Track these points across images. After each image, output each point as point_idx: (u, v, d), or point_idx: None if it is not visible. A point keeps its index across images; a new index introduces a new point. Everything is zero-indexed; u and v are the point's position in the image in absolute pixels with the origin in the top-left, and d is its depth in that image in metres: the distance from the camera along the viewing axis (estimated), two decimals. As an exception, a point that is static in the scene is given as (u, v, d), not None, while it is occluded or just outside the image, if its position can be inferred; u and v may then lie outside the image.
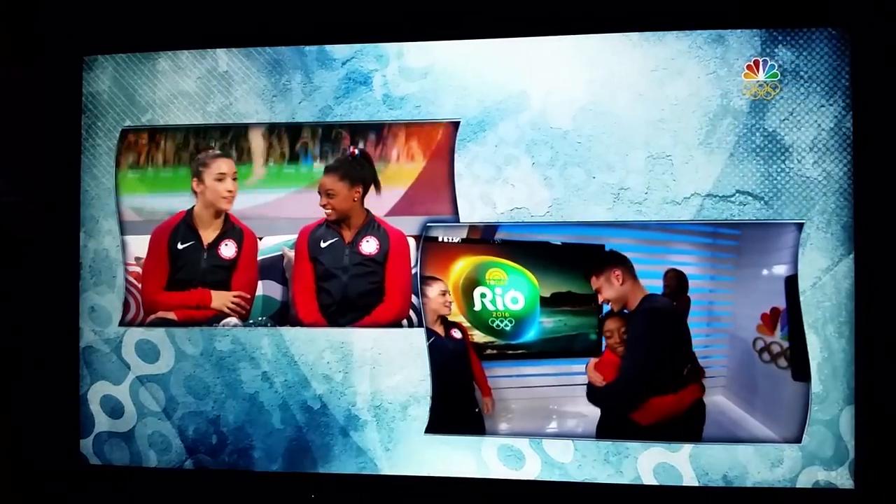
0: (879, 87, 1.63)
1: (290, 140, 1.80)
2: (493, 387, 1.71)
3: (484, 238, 1.71)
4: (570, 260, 1.69)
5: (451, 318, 1.72)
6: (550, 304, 1.69)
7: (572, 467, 1.70)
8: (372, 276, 1.78)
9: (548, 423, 1.70)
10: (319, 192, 1.78)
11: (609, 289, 1.67)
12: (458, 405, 1.72)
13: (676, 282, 1.67)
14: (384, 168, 1.78)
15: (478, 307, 1.70)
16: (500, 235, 1.71)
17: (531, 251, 1.69)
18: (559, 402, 1.70)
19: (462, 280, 1.69)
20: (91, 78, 1.86)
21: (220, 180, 1.81)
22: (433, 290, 1.71)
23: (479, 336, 1.71)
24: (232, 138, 1.81)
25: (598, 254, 1.67)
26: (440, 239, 1.71)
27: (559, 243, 1.69)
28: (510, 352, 1.70)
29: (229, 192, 1.81)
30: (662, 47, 1.69)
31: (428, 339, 1.71)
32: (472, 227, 1.70)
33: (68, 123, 1.86)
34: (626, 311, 1.68)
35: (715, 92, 1.67)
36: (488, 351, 1.71)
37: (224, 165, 1.81)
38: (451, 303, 1.70)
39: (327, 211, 1.78)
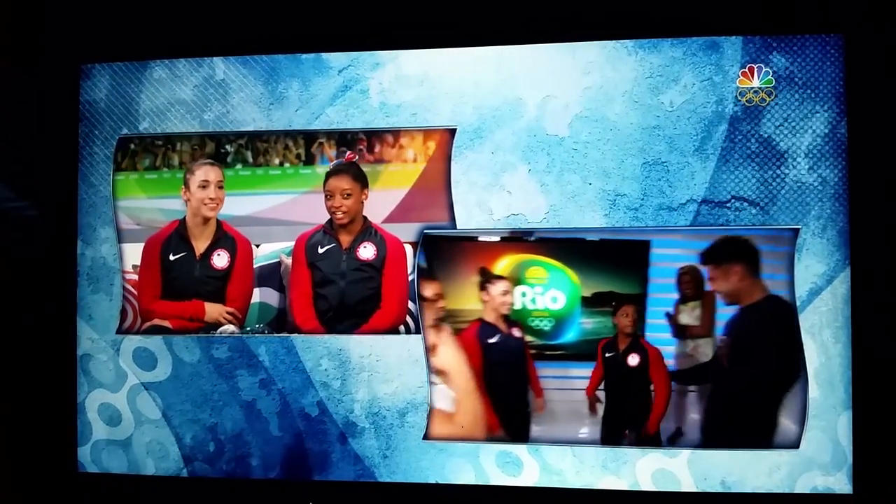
0: (874, 93, 1.64)
1: (305, 143, 1.79)
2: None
3: (518, 236, 1.68)
4: (615, 258, 1.65)
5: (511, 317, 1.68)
6: (592, 304, 1.65)
7: (570, 473, 1.70)
8: (369, 282, 1.78)
9: (582, 426, 1.68)
10: (331, 195, 1.77)
11: (724, 282, 1.62)
12: (510, 404, 1.69)
13: (694, 280, 1.65)
14: (380, 175, 1.78)
15: (518, 306, 1.68)
16: (537, 233, 1.69)
17: (574, 249, 1.66)
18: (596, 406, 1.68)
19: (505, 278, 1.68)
20: (88, 86, 1.86)
21: (203, 188, 1.81)
22: (496, 289, 1.67)
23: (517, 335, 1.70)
24: (248, 141, 1.81)
25: (720, 243, 1.62)
26: (479, 239, 1.68)
27: (596, 239, 1.65)
28: (548, 352, 1.67)
29: (211, 199, 1.81)
30: (657, 54, 1.70)
31: (491, 336, 1.67)
32: (513, 229, 1.69)
33: (65, 131, 1.86)
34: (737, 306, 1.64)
35: (710, 98, 1.68)
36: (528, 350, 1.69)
37: (209, 173, 1.81)
38: (512, 302, 1.67)
39: (340, 213, 1.77)
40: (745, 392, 1.65)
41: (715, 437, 1.65)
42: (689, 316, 1.66)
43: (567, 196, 1.72)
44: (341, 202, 1.76)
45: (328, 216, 1.79)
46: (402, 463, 1.75)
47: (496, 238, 1.69)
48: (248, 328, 1.81)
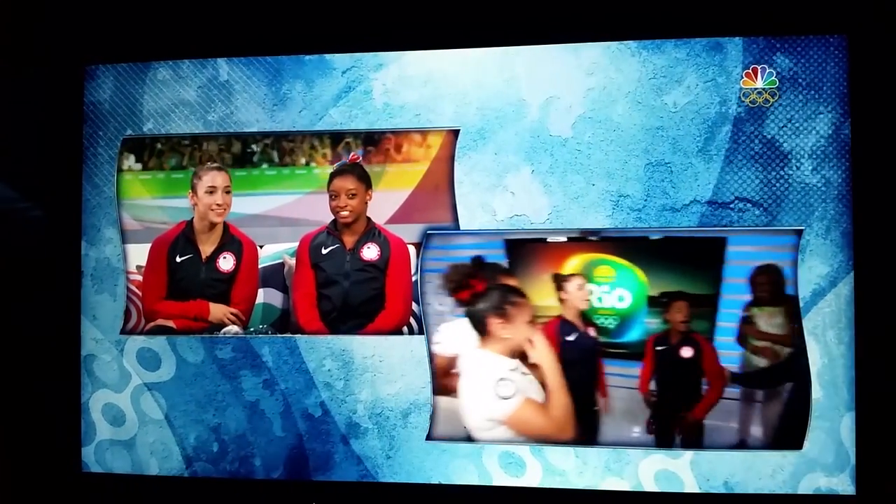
0: (877, 94, 1.64)
1: (332, 142, 1.79)
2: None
3: (584, 236, 1.68)
4: (687, 257, 1.63)
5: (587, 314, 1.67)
6: (658, 304, 1.64)
7: (573, 474, 1.71)
8: (373, 282, 1.78)
9: (637, 426, 1.67)
10: (335, 195, 1.78)
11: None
12: (579, 403, 1.65)
13: (772, 282, 1.61)
14: (384, 176, 1.78)
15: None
16: (606, 233, 1.68)
17: (644, 248, 1.64)
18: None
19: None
20: (92, 87, 1.87)
21: (210, 193, 1.82)
22: (572, 285, 1.63)
23: None
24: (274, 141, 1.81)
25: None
26: (547, 240, 1.67)
27: (660, 237, 1.64)
28: (611, 350, 1.66)
29: (218, 205, 1.82)
30: (661, 55, 1.70)
31: (569, 334, 1.64)
32: (583, 229, 1.68)
33: (70, 132, 1.87)
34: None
35: (713, 99, 1.68)
36: None
37: (217, 178, 1.82)
38: (589, 296, 1.63)
39: (345, 213, 1.77)
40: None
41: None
42: (767, 323, 1.62)
43: (570, 197, 1.72)
44: (346, 202, 1.77)
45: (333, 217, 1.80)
46: (405, 463, 1.76)
47: (563, 238, 1.67)
48: (252, 329, 1.82)
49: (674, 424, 1.66)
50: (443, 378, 1.69)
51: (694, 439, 1.65)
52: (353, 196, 1.77)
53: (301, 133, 1.80)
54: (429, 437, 1.74)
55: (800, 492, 1.64)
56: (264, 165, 1.82)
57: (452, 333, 1.64)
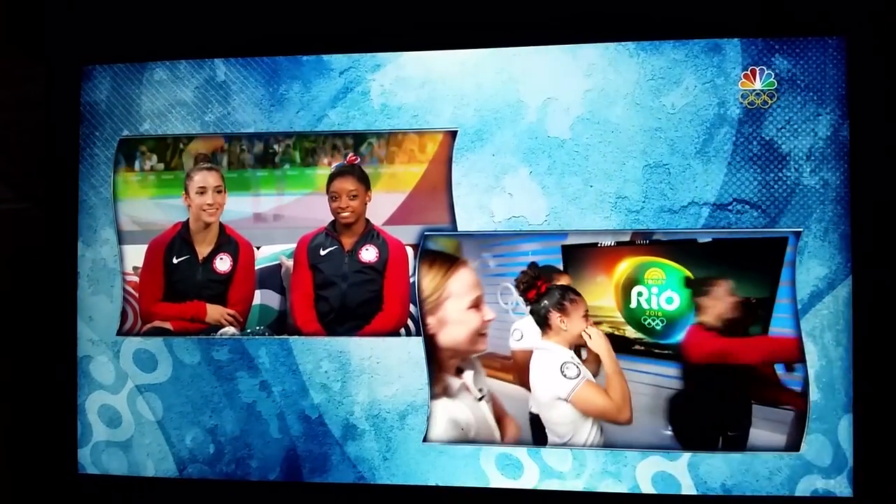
0: (876, 95, 1.64)
1: (354, 143, 1.79)
2: (637, 381, 1.68)
3: (633, 240, 1.70)
4: (740, 260, 1.64)
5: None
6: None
7: (570, 476, 1.70)
8: (371, 284, 1.78)
9: (665, 427, 1.68)
10: (336, 196, 1.77)
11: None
12: None
13: None
14: (381, 177, 1.78)
15: (633, 304, 1.69)
16: (657, 236, 1.69)
17: (696, 252, 1.66)
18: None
19: (623, 279, 1.69)
20: (89, 87, 1.86)
21: (201, 193, 1.81)
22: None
23: (630, 332, 1.70)
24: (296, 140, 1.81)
25: None
26: (599, 244, 1.71)
27: (708, 239, 1.66)
28: (657, 350, 1.68)
29: (209, 204, 1.81)
30: (659, 56, 1.69)
31: None
32: (635, 232, 1.69)
33: (66, 132, 1.86)
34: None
35: (712, 101, 1.68)
36: (636, 347, 1.69)
37: (208, 178, 1.81)
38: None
39: (346, 214, 1.77)
40: None
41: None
42: None
43: (568, 198, 1.71)
44: (347, 203, 1.76)
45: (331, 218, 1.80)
46: (403, 465, 1.75)
47: (611, 242, 1.71)
48: (249, 330, 1.81)
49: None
50: (521, 368, 1.73)
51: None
52: (354, 197, 1.77)
53: (324, 133, 1.79)
54: (426, 439, 1.74)
55: (797, 494, 1.64)
56: (286, 166, 1.81)
57: (523, 329, 1.73)
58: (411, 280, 1.75)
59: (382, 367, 1.76)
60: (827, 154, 1.65)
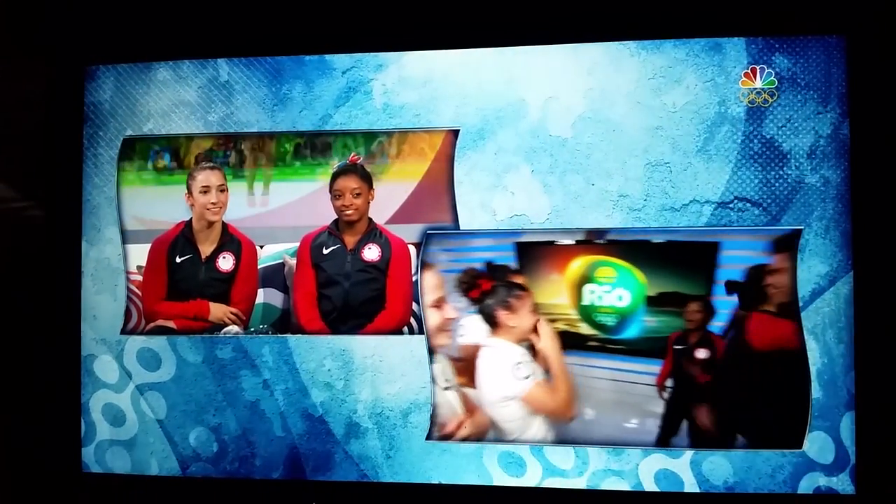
0: (876, 94, 1.64)
1: (365, 141, 1.81)
2: (584, 375, 1.71)
3: (590, 239, 1.73)
4: (684, 259, 1.68)
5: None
6: (656, 303, 1.69)
7: (573, 474, 1.71)
8: (373, 283, 1.78)
9: (630, 418, 1.70)
10: (340, 194, 1.78)
11: (788, 279, 1.64)
12: None
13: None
14: (383, 176, 1.79)
15: (586, 302, 1.72)
16: (610, 236, 1.72)
17: (645, 251, 1.70)
18: (647, 402, 1.70)
19: (576, 277, 1.72)
20: (93, 87, 1.87)
21: (204, 192, 1.82)
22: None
23: (584, 329, 1.73)
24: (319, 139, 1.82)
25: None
26: (555, 242, 1.73)
27: (663, 241, 1.70)
28: (610, 346, 1.72)
29: (213, 203, 1.82)
30: (660, 55, 1.70)
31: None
32: (589, 231, 1.72)
33: (70, 132, 1.87)
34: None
35: (712, 99, 1.68)
36: (590, 343, 1.72)
37: (211, 177, 1.82)
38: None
39: (350, 212, 1.77)
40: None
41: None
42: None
43: (570, 197, 1.72)
44: (351, 201, 1.77)
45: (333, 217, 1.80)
46: (406, 463, 1.76)
47: (571, 241, 1.73)
48: (252, 329, 1.82)
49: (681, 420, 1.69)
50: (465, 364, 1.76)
51: (700, 437, 1.68)
52: (358, 195, 1.77)
53: (334, 132, 1.80)
54: (429, 437, 1.74)
55: (800, 491, 1.64)
56: (296, 164, 1.81)
57: (469, 327, 1.75)
58: (414, 279, 1.76)
59: (385, 365, 1.76)
60: (828, 152, 1.65)
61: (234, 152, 1.83)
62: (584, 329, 1.72)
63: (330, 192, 1.79)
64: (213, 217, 1.83)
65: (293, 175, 1.82)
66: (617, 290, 1.71)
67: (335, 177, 1.79)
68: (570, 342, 1.72)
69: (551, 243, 1.73)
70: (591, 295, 1.72)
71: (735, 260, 1.67)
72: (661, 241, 1.70)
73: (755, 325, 1.66)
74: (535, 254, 1.74)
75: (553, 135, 1.73)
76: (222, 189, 1.82)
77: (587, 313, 1.72)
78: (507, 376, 1.69)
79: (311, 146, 1.81)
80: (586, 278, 1.72)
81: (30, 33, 1.91)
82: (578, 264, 1.72)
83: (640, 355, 1.70)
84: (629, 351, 1.70)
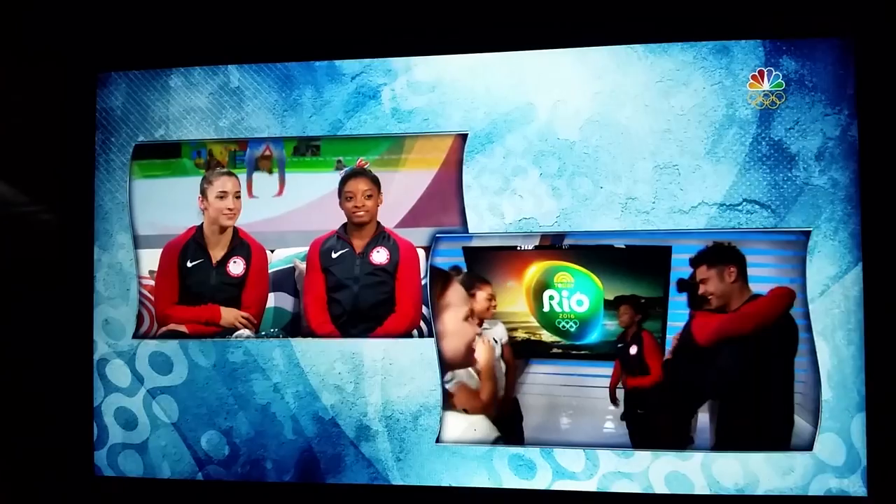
0: (884, 95, 1.64)
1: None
2: (552, 383, 1.73)
3: (553, 244, 1.74)
4: (636, 263, 1.70)
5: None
6: (614, 307, 1.71)
7: (584, 476, 1.71)
8: (382, 286, 1.79)
9: (603, 423, 1.72)
10: (351, 196, 1.79)
11: (718, 283, 1.66)
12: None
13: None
14: (393, 181, 1.80)
15: (546, 308, 1.74)
16: (568, 241, 1.73)
17: (598, 255, 1.72)
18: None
19: (533, 283, 1.73)
20: (105, 94, 1.89)
21: (221, 198, 1.84)
22: (481, 295, 1.75)
23: (546, 336, 1.74)
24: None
25: (716, 246, 1.67)
26: (518, 247, 1.75)
27: (622, 246, 1.71)
28: (574, 352, 1.73)
29: (230, 209, 1.84)
30: (668, 59, 1.71)
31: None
32: (544, 235, 1.73)
33: (82, 138, 1.89)
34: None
35: (720, 102, 1.69)
36: (554, 350, 1.74)
37: (227, 183, 1.84)
38: (494, 308, 1.75)
39: (361, 213, 1.79)
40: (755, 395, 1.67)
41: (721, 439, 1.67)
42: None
43: (578, 200, 1.73)
44: (363, 202, 1.78)
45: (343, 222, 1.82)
46: (416, 466, 1.76)
47: (531, 247, 1.74)
48: (263, 332, 1.83)
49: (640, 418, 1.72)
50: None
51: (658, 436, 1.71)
52: (369, 197, 1.79)
53: (354, 135, 1.81)
54: (438, 440, 1.75)
55: (811, 493, 1.64)
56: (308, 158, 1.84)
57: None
58: (423, 282, 1.77)
59: (395, 368, 1.77)
60: (836, 154, 1.66)
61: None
62: (546, 336, 1.74)
63: (339, 195, 1.80)
64: (229, 222, 1.84)
65: (309, 167, 1.84)
66: (576, 294, 1.72)
67: (345, 180, 1.80)
68: (534, 351, 1.73)
69: (515, 248, 1.74)
70: (551, 301, 1.73)
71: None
72: (618, 246, 1.71)
73: (698, 322, 1.68)
74: (486, 259, 1.75)
75: (561, 138, 1.73)
76: (238, 195, 1.84)
77: (548, 320, 1.74)
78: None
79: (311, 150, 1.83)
80: (545, 284, 1.73)
81: (43, 40, 1.93)
82: (535, 270, 1.73)
83: (604, 359, 1.72)
84: (592, 356, 1.72)
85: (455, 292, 1.68)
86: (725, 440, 1.67)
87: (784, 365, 1.66)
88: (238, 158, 1.85)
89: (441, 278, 1.76)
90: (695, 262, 1.68)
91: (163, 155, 1.88)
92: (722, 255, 1.67)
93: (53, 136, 1.91)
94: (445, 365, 1.74)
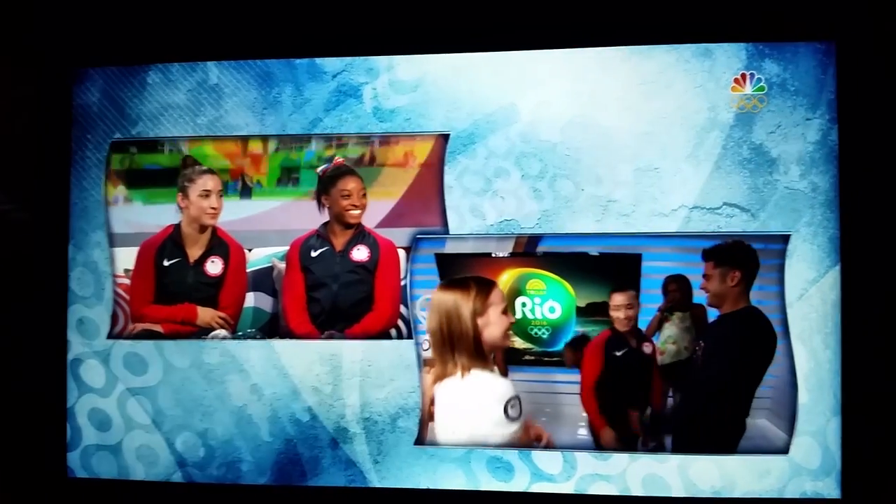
0: (865, 100, 1.65)
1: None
2: (525, 390, 1.70)
3: (527, 251, 1.73)
4: (608, 270, 1.71)
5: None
6: (586, 313, 1.71)
7: (561, 478, 1.71)
8: (361, 284, 1.78)
9: (577, 430, 1.72)
10: (349, 194, 1.77)
11: (718, 284, 1.66)
12: (622, 413, 1.73)
13: (682, 290, 1.68)
14: (374, 180, 1.78)
15: (518, 315, 1.74)
16: (542, 248, 1.73)
17: (570, 262, 1.72)
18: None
19: (506, 290, 1.72)
20: (81, 90, 1.86)
21: (204, 196, 1.81)
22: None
23: (518, 342, 1.75)
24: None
25: (730, 245, 1.67)
26: (492, 254, 1.74)
27: (597, 253, 1.71)
28: (546, 359, 1.73)
29: (213, 208, 1.81)
30: (650, 61, 1.70)
31: (619, 349, 1.71)
32: (518, 241, 1.73)
33: (58, 135, 1.86)
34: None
35: (702, 105, 1.69)
36: (526, 357, 1.74)
37: (209, 182, 1.81)
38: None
39: (357, 212, 1.77)
40: (715, 397, 1.69)
41: (684, 439, 1.69)
42: (678, 326, 1.70)
43: (560, 202, 1.72)
44: (360, 201, 1.77)
45: (322, 221, 1.80)
46: (394, 468, 1.75)
47: (505, 254, 1.74)
48: (240, 333, 1.81)
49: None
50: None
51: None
52: (364, 196, 1.77)
53: (348, 135, 1.79)
54: (417, 442, 1.74)
55: (786, 496, 1.65)
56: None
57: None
58: (403, 282, 1.76)
59: (374, 369, 1.76)
60: (816, 158, 1.66)
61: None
62: (519, 343, 1.74)
63: (326, 194, 1.78)
64: (211, 221, 1.82)
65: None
66: (548, 301, 1.73)
67: (336, 178, 1.78)
68: (507, 358, 1.73)
69: (489, 255, 1.74)
70: (523, 308, 1.73)
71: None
72: (592, 254, 1.71)
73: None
74: (460, 266, 1.74)
75: (543, 139, 1.73)
76: (220, 194, 1.82)
77: (521, 327, 1.74)
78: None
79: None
80: (517, 291, 1.74)
81: (17, 35, 1.90)
82: (507, 277, 1.73)
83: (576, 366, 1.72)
84: (562, 363, 1.73)
85: (496, 294, 1.65)
86: (678, 441, 1.69)
87: (753, 372, 1.67)
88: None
89: (485, 284, 1.68)
90: (706, 256, 1.67)
91: (140, 151, 1.85)
92: (731, 257, 1.66)
93: (28, 133, 1.88)
94: (487, 348, 1.68)
